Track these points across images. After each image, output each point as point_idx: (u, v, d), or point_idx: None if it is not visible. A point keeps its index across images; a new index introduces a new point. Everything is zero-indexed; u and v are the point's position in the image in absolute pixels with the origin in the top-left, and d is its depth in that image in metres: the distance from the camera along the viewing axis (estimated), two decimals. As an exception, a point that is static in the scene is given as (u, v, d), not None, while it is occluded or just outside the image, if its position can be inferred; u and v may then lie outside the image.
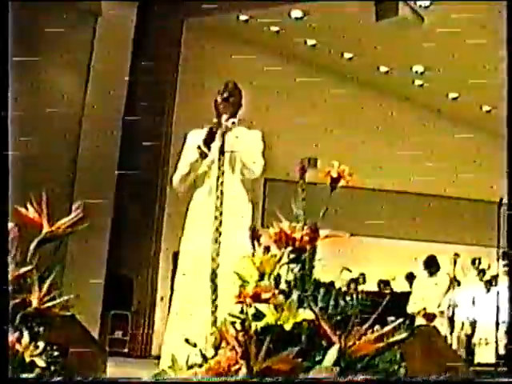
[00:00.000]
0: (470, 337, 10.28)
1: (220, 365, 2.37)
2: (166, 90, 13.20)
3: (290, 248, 2.58)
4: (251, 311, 2.43)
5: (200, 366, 2.57)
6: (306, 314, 2.41)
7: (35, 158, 9.85)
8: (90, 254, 11.32)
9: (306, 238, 2.59)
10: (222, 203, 4.22)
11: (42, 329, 2.71)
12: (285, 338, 2.36)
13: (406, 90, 15.39)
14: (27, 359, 2.58)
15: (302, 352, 2.36)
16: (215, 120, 4.45)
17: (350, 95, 14.79)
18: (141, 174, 12.63)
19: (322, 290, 2.57)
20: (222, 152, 4.36)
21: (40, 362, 2.60)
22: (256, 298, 2.42)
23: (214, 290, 3.96)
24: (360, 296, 2.60)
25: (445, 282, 9.56)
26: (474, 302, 10.25)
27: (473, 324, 10.32)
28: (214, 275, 3.99)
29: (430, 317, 9.07)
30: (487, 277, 10.46)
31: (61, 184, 10.91)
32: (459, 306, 9.72)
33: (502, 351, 8.67)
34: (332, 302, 2.56)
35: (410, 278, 11.54)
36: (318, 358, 2.37)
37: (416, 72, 14.46)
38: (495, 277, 9.57)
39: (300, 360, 2.34)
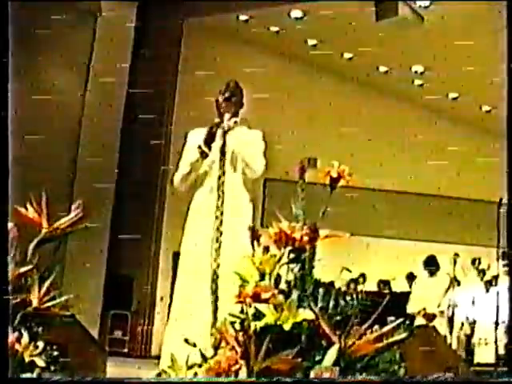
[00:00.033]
0: (469, 337, 10.27)
1: (220, 365, 2.37)
2: (165, 89, 13.19)
3: (289, 248, 2.58)
4: (251, 311, 2.43)
5: (200, 365, 2.57)
6: (305, 314, 2.41)
7: (35, 158, 9.85)
8: (90, 253, 11.32)
9: (306, 238, 2.60)
10: (222, 203, 4.22)
11: (41, 329, 2.71)
12: (284, 337, 2.36)
13: (406, 90, 15.38)
14: (27, 359, 2.59)
15: (302, 352, 2.36)
16: (216, 120, 4.44)
17: (349, 95, 14.80)
18: (141, 173, 12.64)
19: (321, 290, 2.57)
20: (223, 152, 4.36)
21: (40, 362, 2.60)
22: (256, 297, 2.42)
23: (215, 289, 3.95)
24: (360, 296, 2.60)
25: (445, 282, 9.55)
26: (473, 302, 10.24)
27: (472, 324, 10.31)
28: (214, 275, 3.99)
29: (430, 317, 9.06)
30: (487, 277, 10.45)
31: (60, 184, 10.92)
32: (459, 305, 9.71)
33: (501, 351, 8.66)
34: (332, 302, 2.56)
35: (410, 277, 11.53)
36: (317, 358, 2.37)
37: (416, 72, 14.46)
38: (495, 277, 9.57)
39: (300, 360, 2.34)
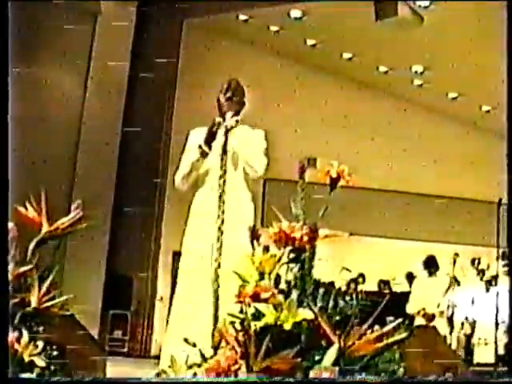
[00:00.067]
0: (469, 337, 10.27)
1: (219, 364, 2.37)
2: (165, 89, 13.19)
3: (289, 248, 2.58)
4: (251, 311, 2.43)
5: (199, 365, 2.57)
6: (305, 314, 2.41)
7: (35, 158, 9.85)
8: (90, 253, 11.32)
9: (306, 238, 2.59)
10: (224, 202, 4.21)
11: (41, 328, 2.71)
12: (284, 337, 2.36)
13: (406, 90, 15.38)
14: (26, 359, 2.58)
15: (302, 352, 2.36)
16: (218, 119, 4.43)
17: (349, 95, 14.80)
18: (140, 173, 12.64)
19: (321, 290, 2.57)
20: (224, 151, 4.35)
21: (39, 362, 2.60)
22: (255, 297, 2.42)
23: (216, 289, 3.94)
24: (359, 296, 2.60)
25: (444, 282, 9.55)
26: (473, 302, 10.24)
27: (472, 324, 10.31)
28: (215, 275, 3.98)
29: (430, 317, 9.06)
30: (487, 277, 10.45)
31: (60, 184, 10.92)
32: (459, 305, 9.71)
33: (501, 351, 8.67)
34: (331, 302, 2.56)
35: (410, 277, 11.53)
36: (317, 358, 2.37)
37: (415, 72, 14.45)
38: (495, 277, 9.56)
39: (299, 360, 2.34)
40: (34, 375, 2.57)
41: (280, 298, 2.46)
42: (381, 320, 2.48)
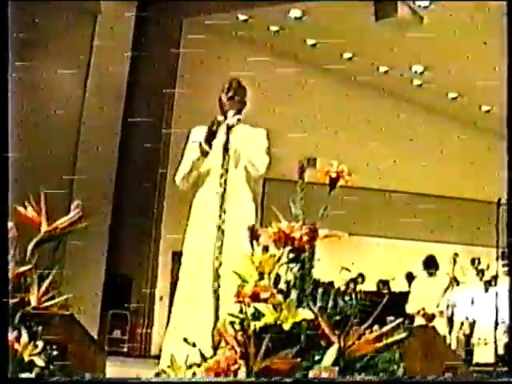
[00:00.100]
0: (468, 337, 10.27)
1: (219, 364, 2.37)
2: (165, 89, 13.19)
3: (289, 248, 2.58)
4: (250, 311, 2.43)
5: (199, 365, 2.56)
6: (305, 314, 2.41)
7: (35, 158, 9.85)
8: (89, 253, 11.32)
9: (305, 238, 2.59)
10: (225, 201, 4.20)
11: (40, 328, 2.70)
12: (284, 337, 2.36)
13: (405, 90, 15.38)
14: (26, 358, 2.58)
15: (301, 352, 2.36)
16: (219, 117, 4.43)
17: (348, 95, 14.80)
18: (140, 173, 12.64)
19: (320, 290, 2.57)
20: (226, 149, 4.34)
21: (39, 362, 2.60)
22: (255, 297, 2.42)
23: (217, 289, 3.93)
24: (359, 296, 2.60)
25: (444, 282, 9.55)
26: (473, 302, 10.23)
27: (472, 324, 10.31)
28: (216, 274, 3.97)
29: (429, 317, 9.06)
30: (486, 277, 10.45)
31: (60, 183, 10.91)
32: (458, 305, 9.71)
33: (501, 351, 8.67)
34: (331, 302, 2.56)
35: (410, 277, 11.53)
36: (317, 358, 2.37)
37: (415, 72, 14.45)
38: (494, 277, 9.56)
39: (299, 360, 2.34)
40: (33, 375, 2.57)
41: (279, 297, 2.46)
42: (380, 320, 2.48)
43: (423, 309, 9.17)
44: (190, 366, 2.65)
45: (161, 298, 12.73)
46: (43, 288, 2.73)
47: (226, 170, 4.26)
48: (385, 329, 2.45)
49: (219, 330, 2.51)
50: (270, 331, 2.35)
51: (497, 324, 8.41)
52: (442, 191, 15.40)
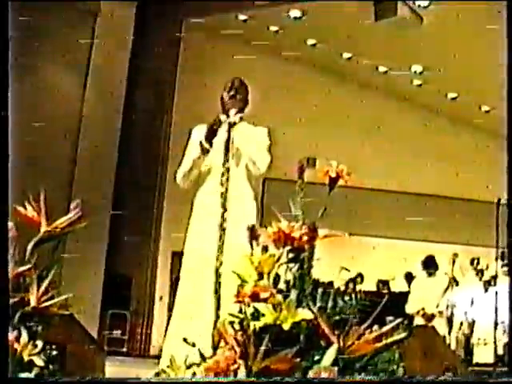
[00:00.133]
0: (468, 337, 10.27)
1: (218, 364, 2.37)
2: (165, 89, 13.19)
3: (288, 247, 2.58)
4: (250, 311, 2.43)
5: (198, 365, 2.56)
6: (304, 314, 2.40)
7: (34, 158, 9.85)
8: (89, 253, 11.31)
9: (305, 238, 2.59)
10: (226, 200, 4.20)
11: (40, 328, 2.70)
12: (283, 337, 2.36)
13: (405, 90, 15.38)
14: (26, 358, 2.58)
15: (301, 352, 2.36)
16: (221, 116, 4.43)
17: (348, 95, 14.80)
18: (139, 173, 12.65)
19: (320, 290, 2.57)
20: (227, 147, 4.34)
21: (38, 361, 2.60)
22: (254, 297, 2.42)
23: (218, 288, 3.93)
24: (359, 296, 2.60)
25: (443, 282, 9.55)
26: (472, 302, 10.24)
27: (471, 324, 10.31)
28: (217, 274, 3.97)
29: (429, 317, 9.06)
30: (486, 277, 10.45)
31: (60, 183, 10.92)
32: (458, 306, 9.71)
33: (500, 351, 8.67)
34: (331, 302, 2.55)
35: (409, 278, 11.53)
36: (316, 358, 2.37)
37: (415, 72, 14.45)
38: (494, 277, 9.56)
39: (298, 360, 2.34)
40: (32, 375, 2.57)
41: (279, 297, 2.46)
42: (380, 320, 2.48)
43: (423, 309, 9.17)
44: (190, 366, 2.65)
45: (160, 298, 12.74)
46: (43, 288, 2.73)
47: (228, 169, 4.27)
48: (384, 329, 2.45)
49: (219, 329, 2.51)
50: (270, 331, 2.35)
51: (496, 324, 8.41)
52: (441, 191, 15.40)
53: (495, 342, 8.44)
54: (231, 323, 2.47)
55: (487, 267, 10.44)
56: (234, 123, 4.38)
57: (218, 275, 3.94)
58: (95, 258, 11.83)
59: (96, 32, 12.27)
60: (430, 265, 9.62)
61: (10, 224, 2.74)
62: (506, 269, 8.64)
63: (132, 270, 12.85)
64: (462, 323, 10.25)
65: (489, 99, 14.20)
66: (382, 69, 14.61)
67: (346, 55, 14.19)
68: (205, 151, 4.42)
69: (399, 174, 14.96)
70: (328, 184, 2.79)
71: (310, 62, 14.36)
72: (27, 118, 9.09)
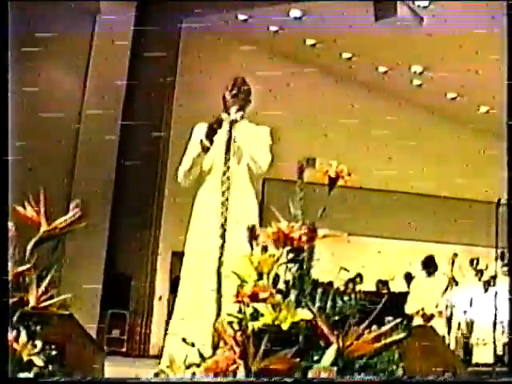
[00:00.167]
0: (467, 337, 10.27)
1: (218, 364, 2.37)
2: (164, 89, 13.19)
3: (288, 248, 2.58)
4: (249, 311, 2.43)
5: (198, 365, 2.56)
6: (303, 314, 2.41)
7: (34, 158, 9.85)
8: (88, 252, 11.33)
9: (304, 238, 2.59)
10: (227, 199, 4.20)
11: (39, 328, 2.70)
12: (283, 337, 2.36)
13: (405, 90, 15.38)
14: (25, 358, 2.58)
15: (300, 352, 2.36)
16: (223, 115, 4.43)
17: (348, 95, 14.80)
18: (139, 173, 12.64)
19: (319, 290, 2.57)
20: (228, 147, 4.34)
21: (38, 361, 2.60)
22: (254, 297, 2.42)
23: (219, 288, 3.92)
24: (358, 296, 2.60)
25: (443, 283, 9.56)
26: (471, 303, 10.24)
27: (471, 324, 10.31)
28: (219, 273, 3.96)
29: (428, 317, 9.06)
30: (485, 277, 10.45)
31: (60, 183, 10.92)
32: (457, 306, 9.71)
33: (499, 351, 8.67)
34: (330, 302, 2.56)
35: (408, 278, 11.53)
36: (315, 358, 2.37)
37: (414, 72, 14.46)
38: (493, 277, 9.57)
39: (298, 360, 2.34)
40: (31, 375, 2.57)
41: (278, 297, 2.46)
42: (379, 320, 2.48)
43: (422, 309, 9.17)
44: (189, 366, 2.65)
45: (160, 298, 12.74)
46: (42, 288, 2.73)
47: (229, 168, 4.27)
48: (384, 329, 2.45)
49: (218, 329, 2.51)
50: (269, 331, 2.35)
51: (496, 324, 8.41)
52: (441, 191, 15.40)
53: (494, 342, 8.44)
54: (230, 323, 2.47)
55: (487, 267, 10.44)
56: (236, 121, 4.38)
57: (219, 275, 3.93)
58: (95, 258, 11.83)
59: (95, 32, 12.27)
60: (429, 265, 9.62)
61: (10, 224, 2.74)
62: (505, 269, 8.64)
63: (131, 269, 12.84)
64: (460, 323, 10.25)
65: (488, 99, 14.20)
66: (381, 69, 14.61)
67: (345, 55, 14.19)
68: (205, 149, 4.41)
69: (399, 174, 14.95)
70: (328, 184, 2.79)
71: (310, 62, 14.35)
72: (27, 118, 9.09)
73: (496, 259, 8.63)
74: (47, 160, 10.91)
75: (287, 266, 2.60)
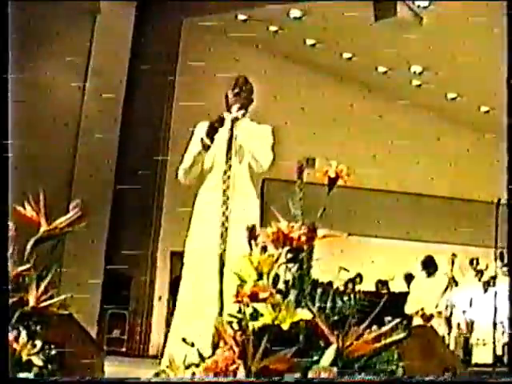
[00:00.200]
0: (467, 337, 10.26)
1: (217, 364, 2.37)
2: (164, 89, 13.19)
3: (287, 248, 2.58)
4: (249, 311, 2.43)
5: (197, 365, 2.56)
6: (303, 314, 2.41)
7: (34, 158, 9.85)
8: (88, 252, 11.32)
9: (304, 238, 2.59)
10: (228, 198, 4.19)
11: (39, 328, 2.70)
12: (282, 337, 2.36)
13: (405, 90, 15.37)
14: (24, 358, 2.58)
15: (300, 352, 2.36)
16: (225, 114, 4.42)
17: (348, 95, 14.79)
18: (139, 173, 12.64)
19: (319, 290, 2.57)
20: (230, 146, 4.34)
21: (37, 361, 2.60)
22: (254, 297, 2.42)
23: (221, 288, 3.91)
24: (357, 296, 2.60)
25: (443, 283, 9.55)
26: (471, 303, 10.24)
27: (470, 324, 10.30)
28: (220, 273, 3.95)
29: (428, 317, 9.06)
30: (485, 277, 10.45)
31: (59, 183, 10.92)
32: (457, 306, 9.71)
33: (499, 352, 8.67)
34: (330, 302, 2.56)
35: (408, 278, 11.53)
36: (315, 358, 2.37)
37: (414, 72, 14.45)
38: (493, 277, 9.56)
39: (297, 360, 2.34)
40: (31, 375, 2.57)
41: (278, 297, 2.46)
42: (379, 320, 2.48)
43: (422, 309, 9.17)
44: (189, 366, 2.65)
45: (159, 298, 12.73)
46: (42, 287, 2.73)
47: (230, 167, 4.26)
48: (383, 329, 2.45)
49: (218, 329, 2.51)
50: (269, 331, 2.35)
51: (495, 324, 8.41)
52: (440, 191, 15.40)
53: (494, 343, 8.44)
54: (230, 323, 2.47)
55: (486, 267, 10.43)
56: (237, 119, 4.38)
57: (221, 274, 3.92)
58: (94, 258, 11.83)
59: (96, 32, 12.27)
60: (429, 265, 9.62)
61: (10, 224, 2.74)
62: (505, 269, 8.64)
63: (131, 269, 12.84)
64: (461, 323, 10.25)
65: (488, 99, 14.19)
66: (381, 69, 14.61)
67: (346, 55, 14.18)
68: (206, 147, 4.40)
69: (399, 174, 14.95)
70: (327, 184, 2.79)
71: (310, 61, 14.36)
72: (27, 117, 9.10)
73: (496, 259, 8.62)
74: (47, 160, 10.90)
75: (287, 266, 2.60)
